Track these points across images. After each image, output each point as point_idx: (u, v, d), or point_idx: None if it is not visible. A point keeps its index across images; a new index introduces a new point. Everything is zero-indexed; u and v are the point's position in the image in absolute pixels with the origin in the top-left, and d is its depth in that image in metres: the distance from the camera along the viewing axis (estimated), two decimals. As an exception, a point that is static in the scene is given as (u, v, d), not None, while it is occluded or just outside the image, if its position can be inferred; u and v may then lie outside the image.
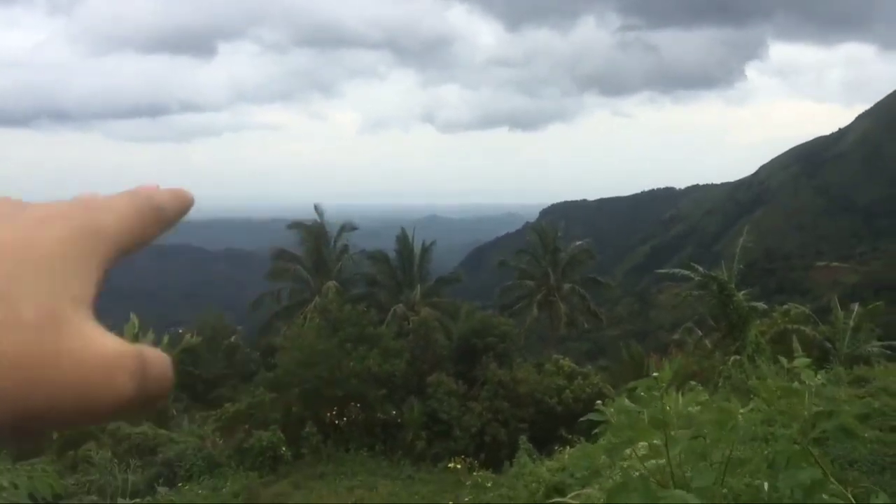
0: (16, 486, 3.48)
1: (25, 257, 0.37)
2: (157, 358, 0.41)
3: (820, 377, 1.76)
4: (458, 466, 18.41)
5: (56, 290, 0.37)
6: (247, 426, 22.35)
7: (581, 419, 2.02)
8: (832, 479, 1.75)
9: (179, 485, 19.80)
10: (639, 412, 1.84)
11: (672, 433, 1.76)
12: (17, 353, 0.34)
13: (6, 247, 0.38)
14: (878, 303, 23.39)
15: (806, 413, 1.76)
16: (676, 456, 1.78)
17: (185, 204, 0.51)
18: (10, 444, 0.38)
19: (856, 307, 22.05)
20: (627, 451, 1.93)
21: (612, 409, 1.98)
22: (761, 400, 1.81)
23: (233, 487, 19.47)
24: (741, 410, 1.77)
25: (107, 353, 0.37)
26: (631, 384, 2.00)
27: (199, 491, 19.10)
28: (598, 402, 2.17)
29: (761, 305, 23.52)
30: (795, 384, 1.78)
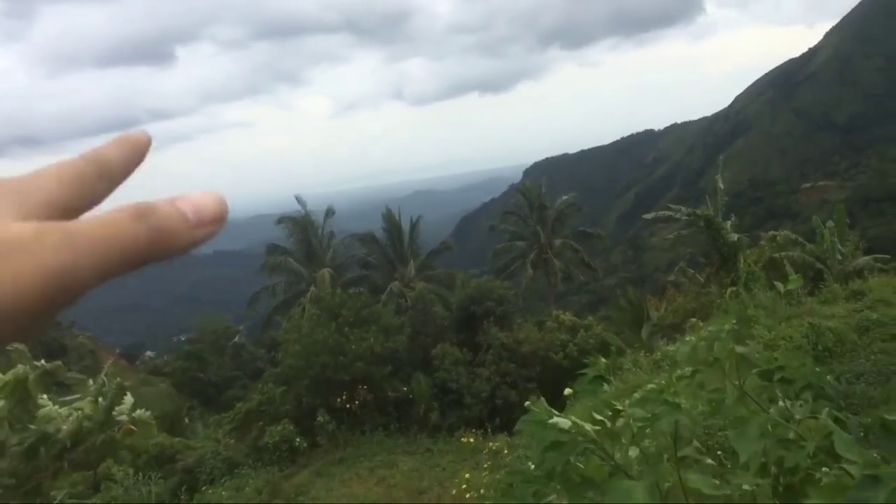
0: None
1: None
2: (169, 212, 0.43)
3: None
4: (472, 440, 18.55)
5: None
6: (261, 423, 22.46)
7: (579, 372, 2.03)
8: (778, 419, 1.75)
9: (203, 489, 19.97)
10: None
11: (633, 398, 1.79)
12: None
13: None
14: (839, 208, 23.05)
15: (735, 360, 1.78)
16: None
17: (133, 149, 0.50)
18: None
19: (829, 224, 22.06)
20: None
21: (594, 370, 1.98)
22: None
23: (254, 485, 19.62)
24: (677, 373, 1.78)
25: (23, 235, 0.38)
26: (590, 360, 2.00)
27: (222, 493, 19.25)
28: (569, 345, 2.18)
29: (744, 238, 23.61)
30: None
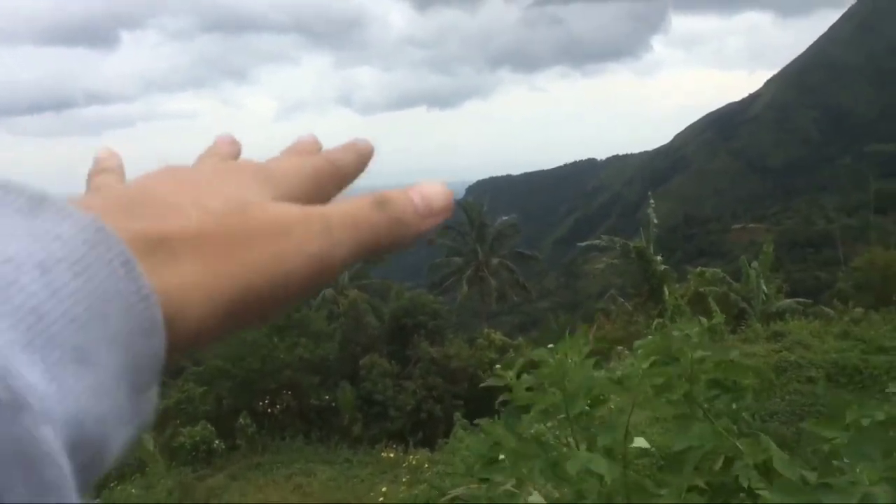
0: None
1: (210, 177, 0.41)
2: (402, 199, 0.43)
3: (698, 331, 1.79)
4: (391, 455, 18.44)
5: (240, 189, 0.40)
6: (177, 422, 21.91)
7: (482, 384, 2.04)
8: (724, 432, 1.78)
9: (112, 484, 19.34)
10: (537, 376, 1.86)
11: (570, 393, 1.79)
12: (209, 235, 0.36)
13: (194, 174, 0.42)
14: (766, 250, 23.84)
15: (688, 367, 1.80)
16: (578, 418, 1.81)
17: (361, 155, 0.50)
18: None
19: (754, 265, 22.84)
20: (528, 415, 1.95)
21: (510, 374, 1.99)
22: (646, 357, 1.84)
23: (166, 484, 19.11)
24: (643, 365, 1.79)
25: (289, 218, 0.38)
26: (533, 351, 2.01)
27: (132, 490, 18.69)
28: (497, 366, 2.18)
29: (671, 272, 24.25)
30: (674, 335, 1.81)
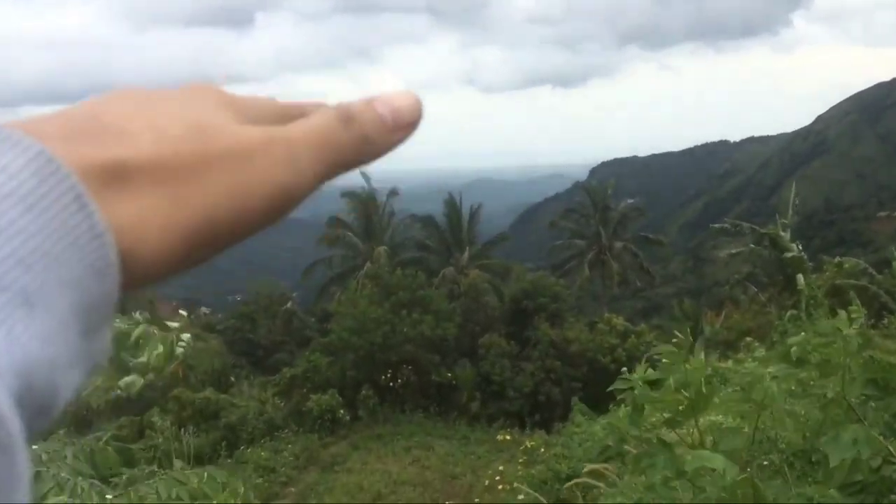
0: (78, 458, 3.66)
1: (168, 100, 0.37)
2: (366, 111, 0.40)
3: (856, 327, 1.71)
4: (508, 438, 18.50)
5: (199, 112, 0.37)
6: (304, 390, 22.87)
7: (609, 388, 2.04)
8: (877, 437, 1.73)
9: (242, 448, 20.45)
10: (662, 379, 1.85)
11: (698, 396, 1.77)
12: (166, 162, 0.33)
13: (150, 95, 0.38)
14: None
15: (846, 365, 1.73)
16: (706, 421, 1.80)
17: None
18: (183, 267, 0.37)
19: None
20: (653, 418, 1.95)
21: (637, 376, 1.98)
22: (794, 354, 1.79)
23: (293, 449, 20.02)
24: (770, 370, 1.74)
25: (251, 143, 0.36)
26: (653, 350, 2.00)
27: (261, 453, 19.70)
28: (623, 369, 2.17)
29: (806, 262, 22.93)
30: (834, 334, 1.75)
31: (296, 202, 0.38)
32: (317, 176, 0.38)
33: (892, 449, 1.71)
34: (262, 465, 18.98)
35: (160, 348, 19.79)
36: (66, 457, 3.52)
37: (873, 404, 1.79)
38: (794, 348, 1.78)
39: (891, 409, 1.75)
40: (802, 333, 1.90)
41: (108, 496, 3.36)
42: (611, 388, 2.05)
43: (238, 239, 0.36)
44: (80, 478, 3.35)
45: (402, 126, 0.41)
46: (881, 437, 1.74)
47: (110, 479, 3.73)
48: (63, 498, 3.05)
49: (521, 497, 10.86)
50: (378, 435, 21.58)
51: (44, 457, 3.49)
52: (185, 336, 22.15)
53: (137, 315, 16.72)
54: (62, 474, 3.31)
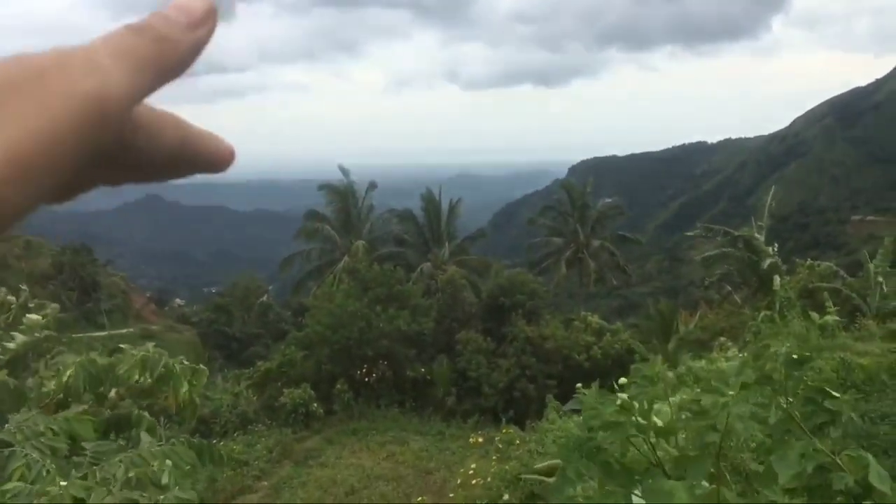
0: (54, 432, 3.60)
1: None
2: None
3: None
4: (481, 440, 18.50)
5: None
6: (278, 384, 22.75)
7: (621, 379, 2.06)
8: (823, 448, 1.75)
9: (214, 441, 20.28)
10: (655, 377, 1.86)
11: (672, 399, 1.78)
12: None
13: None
14: (889, 245, 22.19)
15: (779, 368, 1.77)
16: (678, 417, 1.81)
17: (195, 22, 0.42)
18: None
19: (875, 260, 21.52)
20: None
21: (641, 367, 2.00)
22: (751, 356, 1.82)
23: (267, 443, 19.91)
24: (730, 395, 1.77)
25: (44, 62, 0.35)
26: (635, 365, 2.02)
27: (233, 446, 19.56)
28: (634, 364, 2.19)
29: (779, 264, 23.21)
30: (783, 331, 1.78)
31: (115, 110, 0.36)
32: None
33: (839, 462, 1.73)
34: (235, 459, 18.86)
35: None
36: (41, 433, 3.46)
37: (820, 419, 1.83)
38: (729, 371, 1.83)
39: (837, 421, 1.78)
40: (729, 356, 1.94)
41: (72, 475, 3.30)
42: (622, 382, 2.06)
43: (60, 166, 0.34)
44: (48, 459, 3.30)
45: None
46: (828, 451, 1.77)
47: (84, 452, 3.67)
48: (20, 484, 3.00)
49: (505, 497, 10.90)
50: (353, 430, 21.53)
51: (18, 436, 3.42)
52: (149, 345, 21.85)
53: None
54: (33, 455, 3.25)
